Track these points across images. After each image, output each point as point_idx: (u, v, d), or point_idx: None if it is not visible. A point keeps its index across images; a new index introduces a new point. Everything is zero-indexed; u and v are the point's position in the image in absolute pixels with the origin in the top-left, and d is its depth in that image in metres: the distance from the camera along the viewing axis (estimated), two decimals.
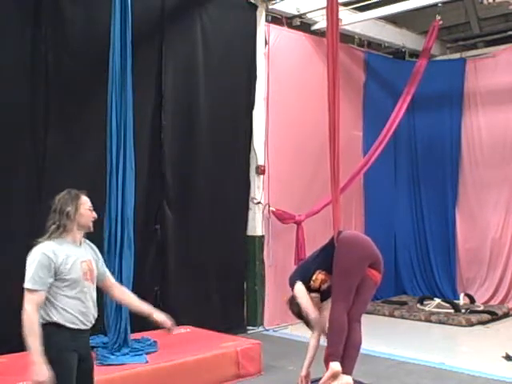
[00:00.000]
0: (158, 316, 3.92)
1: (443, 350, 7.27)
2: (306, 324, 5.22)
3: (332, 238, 5.11)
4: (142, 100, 6.66)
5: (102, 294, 5.69)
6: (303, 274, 5.21)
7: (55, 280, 3.48)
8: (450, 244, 10.17)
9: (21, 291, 6.22)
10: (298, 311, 5.18)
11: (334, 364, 4.67)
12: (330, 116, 5.20)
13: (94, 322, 3.70)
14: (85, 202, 3.71)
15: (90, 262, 3.69)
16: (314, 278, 5.03)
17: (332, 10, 5.17)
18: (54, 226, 3.58)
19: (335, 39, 5.15)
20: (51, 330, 3.46)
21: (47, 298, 3.48)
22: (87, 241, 3.81)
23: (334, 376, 4.65)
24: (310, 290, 5.12)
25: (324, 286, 5.04)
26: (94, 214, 3.76)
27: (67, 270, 3.50)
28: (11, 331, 5.81)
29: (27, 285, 3.46)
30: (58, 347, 3.44)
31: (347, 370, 4.74)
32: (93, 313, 3.68)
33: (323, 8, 5.08)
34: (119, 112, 5.78)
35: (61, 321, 3.49)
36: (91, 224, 3.74)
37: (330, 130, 5.23)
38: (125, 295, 4.02)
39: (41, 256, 3.46)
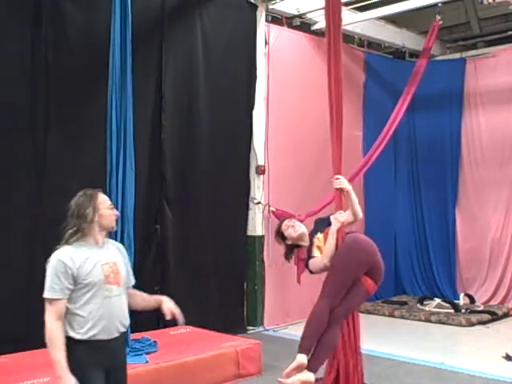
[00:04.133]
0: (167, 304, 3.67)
1: (443, 350, 7.27)
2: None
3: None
4: (142, 100, 6.66)
5: None
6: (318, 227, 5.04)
7: (75, 286, 3.26)
8: (450, 244, 10.18)
9: (21, 291, 6.25)
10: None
11: (301, 356, 4.52)
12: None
13: (122, 329, 3.44)
14: (103, 200, 3.48)
15: (114, 264, 3.42)
16: (320, 236, 4.89)
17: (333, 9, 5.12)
18: (71, 231, 3.34)
19: (338, 37, 5.07)
20: (71, 346, 3.24)
21: (66, 310, 3.26)
22: (112, 241, 3.62)
23: (299, 368, 4.51)
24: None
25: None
26: (116, 212, 3.58)
27: (86, 274, 3.27)
28: (11, 331, 5.87)
29: (46, 294, 3.25)
30: (78, 364, 3.22)
31: (312, 367, 4.60)
32: (120, 319, 3.40)
33: (323, 8, 5.05)
34: (119, 112, 5.77)
35: (80, 333, 3.26)
36: (114, 223, 3.53)
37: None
38: (137, 297, 3.74)
39: (57, 263, 3.26)
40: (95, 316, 3.29)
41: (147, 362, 5.55)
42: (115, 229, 3.59)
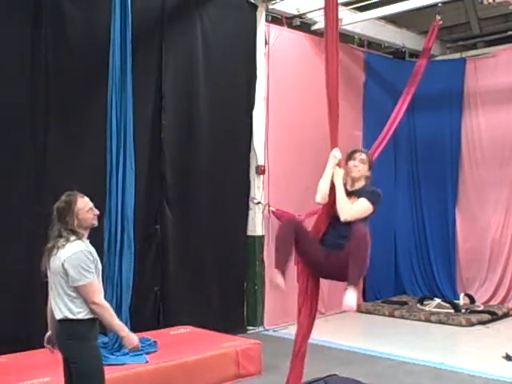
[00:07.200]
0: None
1: (443, 350, 7.27)
2: None
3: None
4: (142, 100, 6.66)
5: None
6: None
7: None
8: (450, 244, 10.17)
9: (22, 291, 6.23)
10: None
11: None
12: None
13: None
14: (82, 206, 3.71)
15: None
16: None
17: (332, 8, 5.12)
18: (65, 233, 3.66)
19: (335, 37, 5.08)
20: (75, 325, 3.59)
21: (71, 294, 3.59)
22: None
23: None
24: None
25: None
26: (96, 212, 3.81)
27: (98, 262, 3.72)
28: (11, 331, 5.87)
29: (88, 280, 3.57)
30: (95, 344, 3.73)
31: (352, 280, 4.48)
32: None
33: (323, 8, 5.05)
34: (119, 112, 5.76)
35: (82, 313, 3.60)
36: (95, 221, 3.81)
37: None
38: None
39: (86, 253, 3.61)
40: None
41: (147, 361, 5.55)
42: (96, 225, 3.86)
